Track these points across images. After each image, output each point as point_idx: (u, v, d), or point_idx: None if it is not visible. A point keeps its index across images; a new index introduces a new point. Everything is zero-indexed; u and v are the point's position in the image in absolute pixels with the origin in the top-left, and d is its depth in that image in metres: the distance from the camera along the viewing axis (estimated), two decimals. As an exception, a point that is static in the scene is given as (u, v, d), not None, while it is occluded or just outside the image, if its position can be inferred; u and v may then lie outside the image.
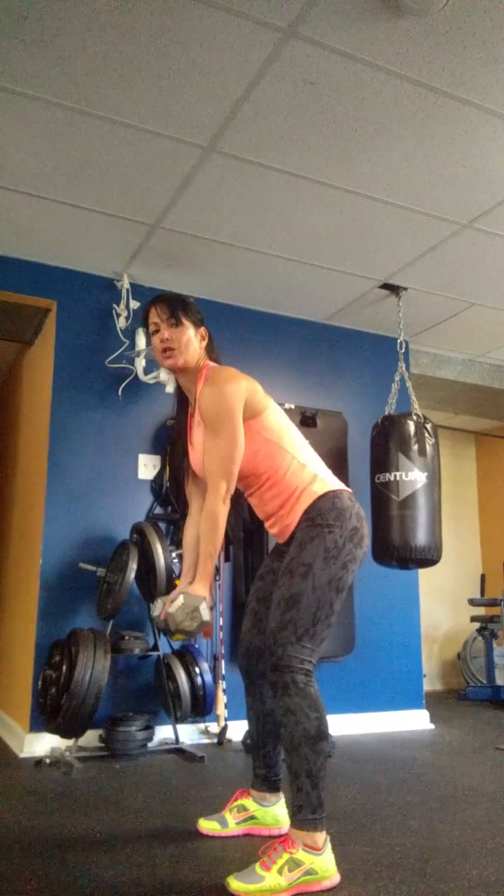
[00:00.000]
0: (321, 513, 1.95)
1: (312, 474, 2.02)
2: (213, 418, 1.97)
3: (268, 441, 2.02)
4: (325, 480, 2.02)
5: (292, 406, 4.01)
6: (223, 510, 1.96)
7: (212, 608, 1.97)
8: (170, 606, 1.94)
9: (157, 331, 2.11)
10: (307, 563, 1.89)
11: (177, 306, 2.11)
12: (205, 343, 2.15)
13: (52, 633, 3.29)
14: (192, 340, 2.10)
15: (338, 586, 1.90)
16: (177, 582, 3.32)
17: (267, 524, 2.13)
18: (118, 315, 3.70)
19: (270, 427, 2.03)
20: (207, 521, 1.96)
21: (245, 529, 3.65)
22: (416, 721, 4.03)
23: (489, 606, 5.66)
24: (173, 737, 3.31)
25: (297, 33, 2.15)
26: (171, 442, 3.68)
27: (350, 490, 2.06)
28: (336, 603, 1.91)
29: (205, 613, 1.89)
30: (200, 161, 2.78)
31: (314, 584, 1.87)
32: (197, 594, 1.94)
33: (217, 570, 3.56)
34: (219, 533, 1.95)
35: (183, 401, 2.22)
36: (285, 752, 1.84)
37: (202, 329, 2.15)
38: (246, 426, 2.00)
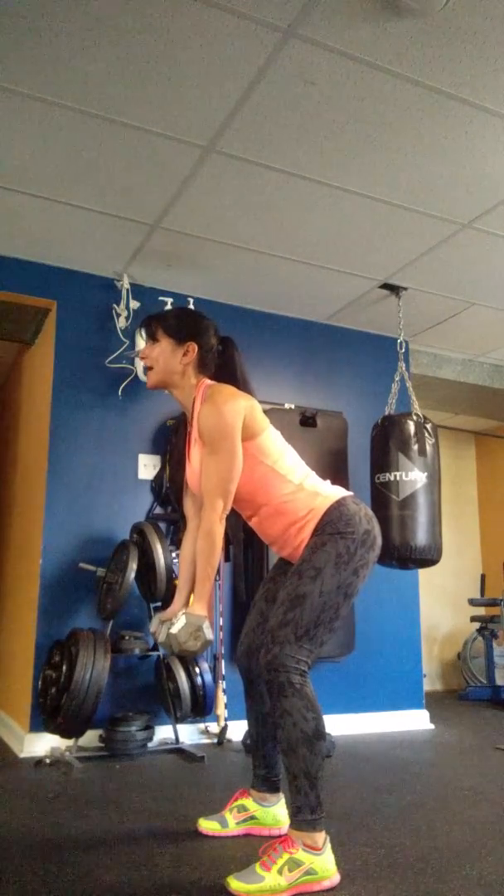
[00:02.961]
0: (330, 522, 1.93)
1: (312, 493, 1.98)
2: (212, 436, 1.94)
3: (264, 466, 1.98)
4: (325, 493, 1.99)
5: (292, 406, 4.01)
6: (220, 529, 1.93)
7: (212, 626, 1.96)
8: (171, 627, 1.90)
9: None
10: (317, 566, 1.88)
11: (155, 323, 2.10)
12: (188, 358, 2.07)
13: (52, 633, 3.29)
14: (169, 358, 2.07)
15: (346, 592, 1.89)
16: (177, 582, 3.32)
17: (273, 548, 2.11)
18: (118, 315, 3.70)
19: (267, 451, 2.00)
20: (204, 540, 1.93)
21: (245, 530, 3.64)
22: (416, 721, 4.03)
23: (489, 606, 5.66)
24: (173, 737, 3.31)
25: (297, 33, 2.15)
26: (171, 443, 3.68)
27: (351, 493, 2.04)
28: (343, 608, 1.89)
29: (208, 632, 1.88)
30: (200, 161, 2.78)
31: (322, 588, 1.86)
32: (198, 614, 1.91)
33: (217, 570, 3.56)
34: (216, 552, 1.93)
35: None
36: (283, 754, 1.83)
37: (189, 344, 2.08)
38: (243, 449, 1.97)
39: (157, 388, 2.13)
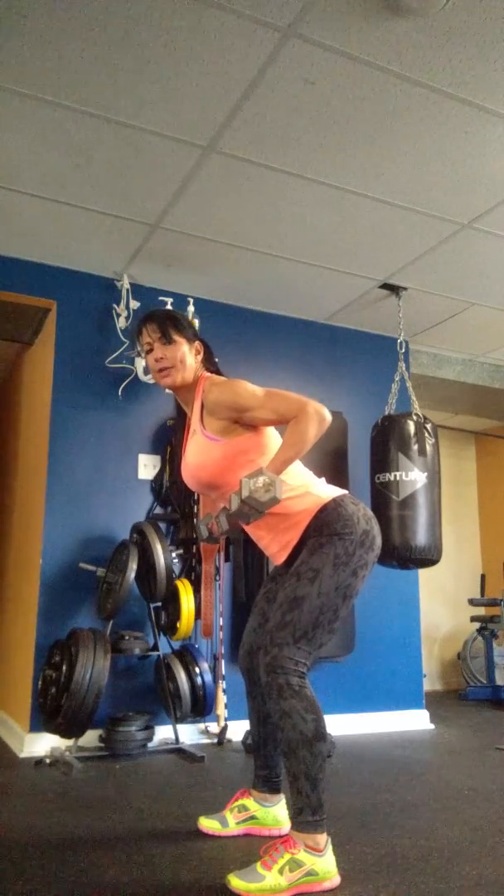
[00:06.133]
0: (328, 523, 1.91)
1: (304, 493, 1.96)
2: (239, 401, 1.94)
3: (258, 465, 1.95)
4: (318, 494, 1.97)
5: (292, 406, 4.00)
6: (326, 412, 1.88)
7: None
8: (244, 481, 1.84)
9: (150, 350, 2.11)
10: (315, 567, 1.87)
11: (167, 324, 2.09)
12: (200, 356, 2.14)
13: (52, 633, 3.29)
14: (187, 356, 2.09)
15: (345, 593, 1.88)
16: (177, 582, 3.33)
17: (261, 545, 2.09)
18: (118, 315, 3.70)
19: (266, 449, 1.99)
20: (292, 435, 1.85)
21: (245, 530, 3.64)
22: (416, 721, 4.03)
23: (489, 606, 5.66)
24: (173, 737, 3.31)
25: (297, 33, 2.15)
26: (171, 444, 3.68)
27: (347, 492, 2.03)
28: (342, 609, 1.89)
29: (279, 491, 1.82)
30: (200, 161, 2.78)
31: (320, 590, 1.85)
32: (273, 473, 1.84)
33: (217, 570, 3.56)
34: (312, 437, 1.86)
35: (183, 414, 2.21)
36: (283, 755, 1.83)
37: (196, 343, 2.14)
38: (238, 442, 1.97)
39: (173, 388, 2.14)
